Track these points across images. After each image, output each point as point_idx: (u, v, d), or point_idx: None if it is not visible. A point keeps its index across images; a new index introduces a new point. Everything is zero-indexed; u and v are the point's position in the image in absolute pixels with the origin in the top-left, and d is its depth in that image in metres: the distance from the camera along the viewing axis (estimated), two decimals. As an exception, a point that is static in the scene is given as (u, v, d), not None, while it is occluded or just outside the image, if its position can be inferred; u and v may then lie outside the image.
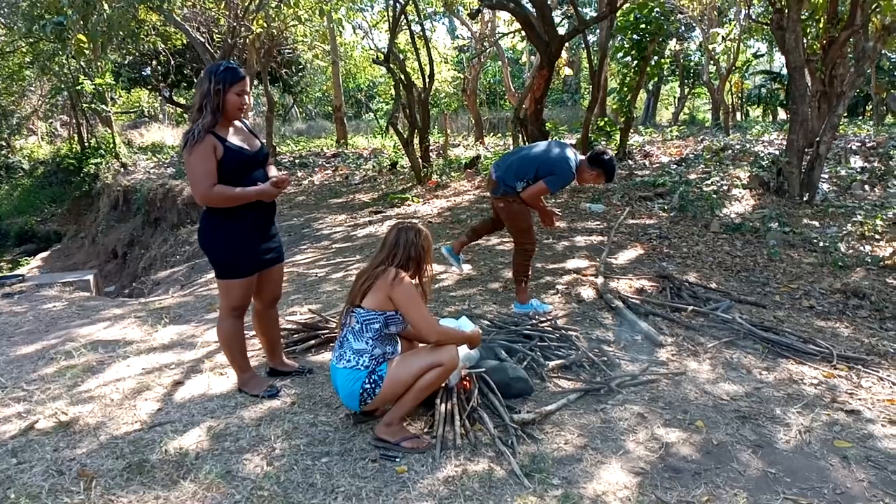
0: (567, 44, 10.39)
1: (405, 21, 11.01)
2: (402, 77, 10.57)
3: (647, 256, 5.74)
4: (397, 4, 10.59)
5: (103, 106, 14.92)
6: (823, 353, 3.62)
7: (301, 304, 4.72)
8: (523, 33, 10.24)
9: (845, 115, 11.62)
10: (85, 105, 15.94)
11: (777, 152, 9.61)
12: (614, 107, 12.58)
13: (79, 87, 14.16)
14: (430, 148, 11.82)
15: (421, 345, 2.81)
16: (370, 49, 17.06)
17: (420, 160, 10.91)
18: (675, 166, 9.98)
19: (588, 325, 4.03)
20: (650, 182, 8.74)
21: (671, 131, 15.64)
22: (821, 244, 6.13)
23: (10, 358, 3.79)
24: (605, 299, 4.40)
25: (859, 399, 3.12)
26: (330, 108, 25.43)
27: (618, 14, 9.81)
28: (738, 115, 20.80)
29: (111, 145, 16.38)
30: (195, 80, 16.49)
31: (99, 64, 14.29)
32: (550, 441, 2.68)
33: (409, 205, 9.20)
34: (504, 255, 5.72)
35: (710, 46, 14.85)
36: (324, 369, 3.33)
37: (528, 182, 4.01)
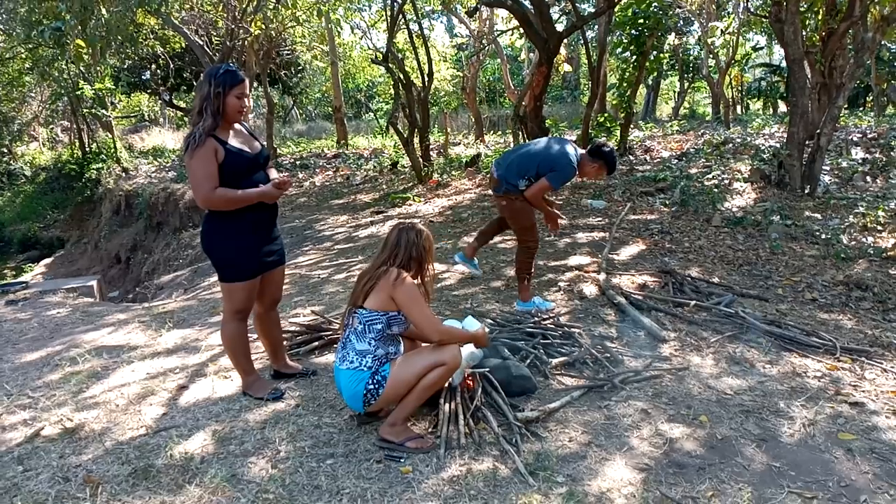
0: (566, 40, 10.39)
1: (403, 20, 11.00)
2: (401, 76, 10.57)
3: (649, 252, 5.73)
4: (395, 3, 10.58)
5: (103, 111, 14.96)
6: (827, 345, 3.62)
7: (304, 305, 4.72)
8: (521, 30, 10.23)
9: (846, 106, 11.60)
10: (85, 110, 15.97)
11: (778, 145, 9.59)
12: (614, 102, 12.56)
13: (79, 93, 14.18)
14: (431, 147, 11.82)
15: (424, 344, 2.82)
16: (369, 49, 17.07)
17: (420, 159, 10.91)
18: (675, 161, 9.96)
19: (591, 322, 4.03)
20: (651, 177, 8.73)
21: (671, 126, 15.59)
22: (823, 236, 6.12)
23: (15, 365, 3.80)
24: (607, 295, 4.40)
25: (863, 391, 3.12)
26: (330, 109, 25.43)
27: (616, 9, 9.79)
28: (739, 108, 20.76)
29: (112, 150, 16.42)
30: (195, 84, 16.56)
31: (98, 69, 14.29)
32: (554, 439, 2.68)
33: (410, 204, 9.21)
34: (506, 254, 5.72)
35: (709, 40, 14.82)
36: (328, 371, 3.34)
37: (529, 179, 4.01)
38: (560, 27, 10.32)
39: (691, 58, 21.29)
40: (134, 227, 13.26)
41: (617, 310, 4.21)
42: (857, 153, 9.40)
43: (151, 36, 13.83)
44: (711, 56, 16.46)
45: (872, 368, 3.39)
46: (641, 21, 9.67)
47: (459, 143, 16.18)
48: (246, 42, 12.66)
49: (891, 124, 11.20)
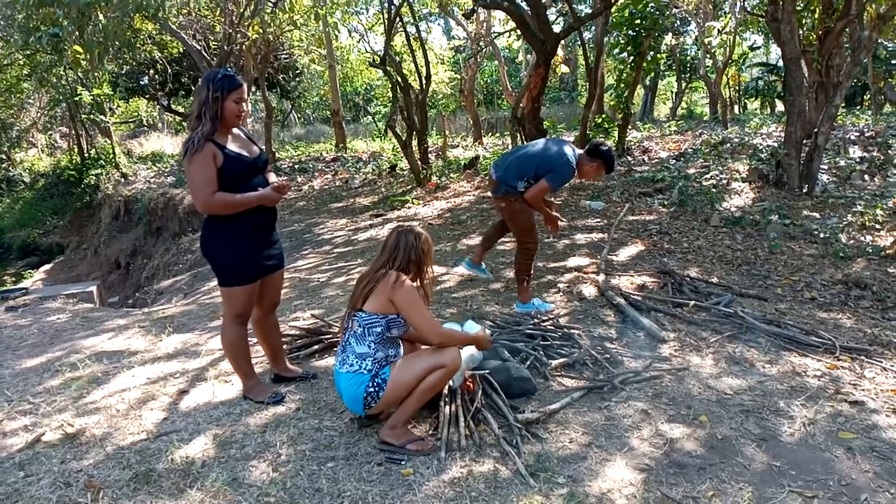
0: (563, 41, 10.40)
1: (400, 23, 11.03)
2: (399, 79, 10.59)
3: (648, 252, 5.74)
4: (392, 6, 10.61)
5: (102, 116, 14.97)
6: (826, 344, 3.62)
7: (304, 309, 4.73)
8: (519, 32, 10.25)
9: (843, 105, 11.62)
10: (84, 116, 15.99)
11: (776, 144, 9.60)
12: (612, 103, 12.57)
13: (77, 99, 14.20)
14: (429, 149, 11.84)
15: (423, 347, 2.82)
16: (366, 52, 17.08)
17: (419, 162, 10.92)
18: (673, 161, 9.98)
19: (590, 323, 4.03)
20: (649, 178, 8.74)
21: (669, 126, 15.62)
22: (821, 235, 6.13)
23: (16, 371, 3.81)
24: (606, 296, 4.41)
25: (863, 390, 3.12)
26: (328, 113, 25.45)
27: (613, 10, 9.81)
28: (736, 108, 20.75)
29: (111, 156, 16.43)
30: (193, 88, 16.55)
31: (96, 74, 14.32)
32: (555, 440, 2.68)
33: (409, 207, 9.22)
34: (505, 256, 5.72)
35: (706, 40, 14.84)
36: (328, 374, 3.34)
37: (528, 181, 4.01)
38: (557, 28, 10.34)
39: (688, 58, 21.32)
40: (133, 233, 13.26)
41: (616, 311, 4.21)
42: (855, 152, 9.41)
43: (149, 41, 13.82)
44: (708, 56, 16.47)
45: (872, 367, 3.40)
46: (638, 22, 9.70)
47: (458, 146, 16.20)
48: (244, 46, 12.67)
49: (888, 123, 11.21)
